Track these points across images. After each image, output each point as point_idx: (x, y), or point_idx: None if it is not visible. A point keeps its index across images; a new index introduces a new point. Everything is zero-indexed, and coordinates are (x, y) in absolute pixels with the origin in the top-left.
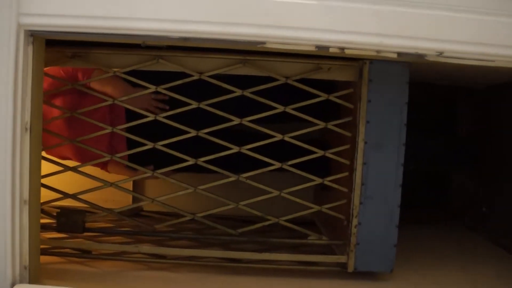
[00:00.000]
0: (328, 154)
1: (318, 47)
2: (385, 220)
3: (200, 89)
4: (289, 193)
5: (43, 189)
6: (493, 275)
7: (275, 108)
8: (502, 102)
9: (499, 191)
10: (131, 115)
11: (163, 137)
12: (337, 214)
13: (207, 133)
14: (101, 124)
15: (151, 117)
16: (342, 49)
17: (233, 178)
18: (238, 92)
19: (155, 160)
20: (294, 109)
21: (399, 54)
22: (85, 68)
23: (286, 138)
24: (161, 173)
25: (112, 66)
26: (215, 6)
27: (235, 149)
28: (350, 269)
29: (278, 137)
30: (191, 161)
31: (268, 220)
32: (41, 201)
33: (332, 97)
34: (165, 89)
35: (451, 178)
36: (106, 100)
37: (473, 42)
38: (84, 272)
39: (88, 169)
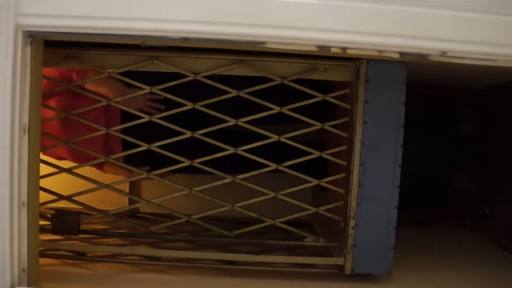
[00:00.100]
0: (325, 155)
1: (319, 47)
2: (383, 222)
3: (195, 89)
4: (286, 195)
5: None
6: (494, 276)
7: (271, 108)
8: (503, 102)
9: (500, 192)
10: (126, 116)
11: (159, 137)
12: (334, 216)
13: (203, 134)
14: (96, 126)
15: (145, 118)
16: (344, 49)
17: (229, 179)
18: (233, 93)
19: (151, 160)
20: (291, 109)
21: (401, 54)
22: (79, 69)
23: (282, 139)
24: (157, 174)
25: (106, 67)
26: (215, 6)
27: (230, 150)
28: (347, 271)
29: (274, 138)
30: (186, 163)
31: (264, 222)
32: None
33: (328, 98)
34: (161, 89)
35: (452, 178)
36: (101, 101)
37: (477, 42)
38: (80, 274)
39: (85, 169)
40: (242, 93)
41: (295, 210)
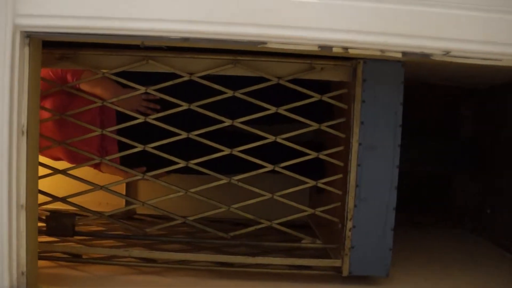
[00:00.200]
0: (322, 155)
1: (321, 47)
2: (381, 223)
3: (191, 90)
4: (283, 196)
5: None
6: (494, 277)
7: (268, 109)
8: (505, 102)
9: (500, 192)
10: (122, 116)
11: (155, 137)
12: (332, 217)
13: (199, 135)
14: (90, 126)
15: (141, 119)
16: (346, 48)
17: (224, 180)
18: (229, 93)
19: (148, 161)
20: (288, 110)
21: (404, 53)
22: (74, 69)
23: (279, 140)
24: (153, 175)
25: (101, 67)
26: (216, 5)
27: (226, 151)
28: (345, 273)
29: (271, 138)
30: (182, 164)
31: (261, 223)
32: None
33: (325, 98)
34: (156, 90)
35: (453, 179)
36: (96, 101)
37: (481, 41)
38: (77, 276)
39: (82, 169)
40: (238, 94)
41: (292, 211)
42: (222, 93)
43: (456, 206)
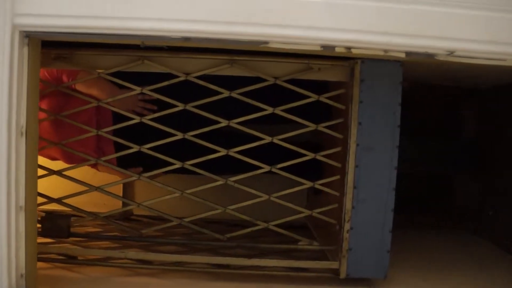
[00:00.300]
0: (319, 156)
1: (323, 46)
2: (379, 225)
3: (188, 90)
4: (280, 197)
5: None
6: (495, 278)
7: (264, 109)
8: (507, 102)
9: (502, 193)
10: (118, 116)
11: (152, 137)
12: (329, 219)
13: (195, 135)
14: (86, 127)
15: (136, 120)
16: (349, 48)
17: (220, 181)
18: (226, 93)
19: (144, 161)
20: (285, 110)
21: (407, 53)
22: (70, 70)
23: (275, 140)
24: (149, 176)
25: (97, 67)
26: (217, 4)
27: (223, 152)
28: (343, 275)
29: (268, 139)
30: (177, 164)
31: (257, 225)
32: None
33: (322, 98)
34: (152, 90)
35: (454, 180)
36: (92, 102)
37: (485, 41)
38: (73, 278)
39: (80, 168)
40: (234, 94)
41: (290, 213)
42: (218, 93)
43: (457, 207)
